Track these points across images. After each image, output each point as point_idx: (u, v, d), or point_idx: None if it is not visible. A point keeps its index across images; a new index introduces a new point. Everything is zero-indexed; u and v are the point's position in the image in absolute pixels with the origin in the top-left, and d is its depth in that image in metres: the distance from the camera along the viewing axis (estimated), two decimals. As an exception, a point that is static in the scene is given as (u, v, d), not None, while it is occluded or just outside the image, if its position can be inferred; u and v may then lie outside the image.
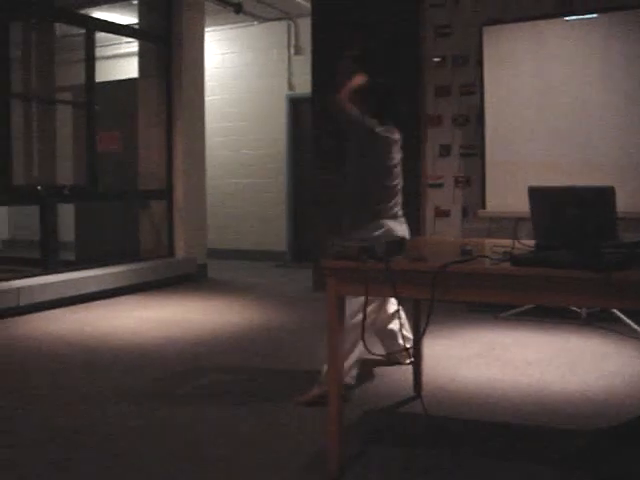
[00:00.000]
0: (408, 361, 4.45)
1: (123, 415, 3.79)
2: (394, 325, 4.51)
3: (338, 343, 2.95)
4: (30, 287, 6.60)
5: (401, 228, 4.26)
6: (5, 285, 6.53)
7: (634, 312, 5.57)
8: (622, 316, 5.73)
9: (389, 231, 4.14)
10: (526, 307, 6.10)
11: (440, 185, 7.13)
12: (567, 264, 2.61)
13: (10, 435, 3.49)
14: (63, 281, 6.94)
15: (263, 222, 10.92)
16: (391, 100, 4.37)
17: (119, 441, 3.41)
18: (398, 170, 4.28)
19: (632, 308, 2.68)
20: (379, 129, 4.17)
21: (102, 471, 3.07)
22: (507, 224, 6.44)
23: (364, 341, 3.03)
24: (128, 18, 9.63)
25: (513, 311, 6.20)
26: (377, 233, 4.09)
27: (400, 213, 4.33)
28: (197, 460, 3.18)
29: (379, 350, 4.45)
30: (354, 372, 4.07)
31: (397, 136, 4.28)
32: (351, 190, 4.33)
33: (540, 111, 6.32)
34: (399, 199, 4.31)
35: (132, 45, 9.90)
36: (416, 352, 4.06)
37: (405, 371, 4.41)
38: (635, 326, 5.56)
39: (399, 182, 4.30)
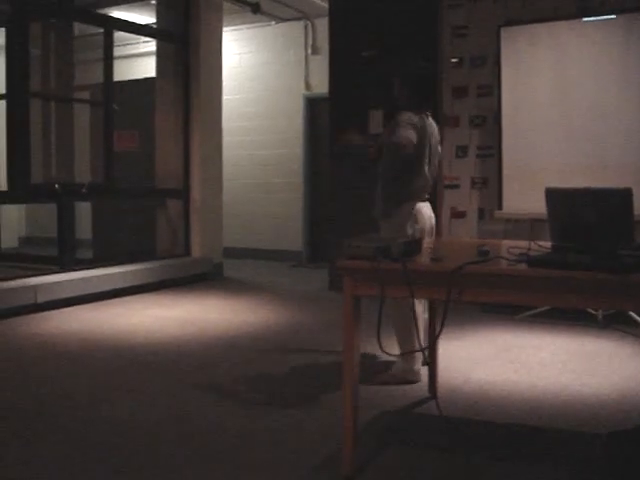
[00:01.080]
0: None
1: (137, 412, 3.81)
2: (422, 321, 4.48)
3: (354, 343, 2.95)
4: (47, 285, 6.64)
5: (428, 209, 4.57)
6: (23, 282, 6.57)
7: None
8: (638, 319, 5.69)
9: (418, 212, 4.45)
10: (542, 309, 6.08)
11: (456, 186, 7.11)
12: (584, 266, 2.60)
13: (27, 433, 3.53)
14: (80, 279, 6.98)
15: (279, 222, 10.93)
16: (426, 87, 4.59)
17: (128, 438, 3.43)
18: (426, 155, 4.46)
19: (649, 311, 2.67)
20: (413, 123, 4.30)
21: (101, 464, 3.09)
22: (523, 225, 6.43)
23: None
24: (146, 18, 9.68)
25: (529, 313, 6.18)
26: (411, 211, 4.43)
27: (427, 196, 4.57)
28: (208, 458, 3.19)
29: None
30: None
31: (431, 124, 4.52)
32: (384, 175, 4.52)
33: (557, 112, 6.30)
34: (429, 182, 4.53)
35: (150, 45, 9.94)
36: (431, 353, 4.06)
37: (420, 371, 4.40)
38: (652, 329, 5.54)
39: (428, 168, 4.49)
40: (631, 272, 2.54)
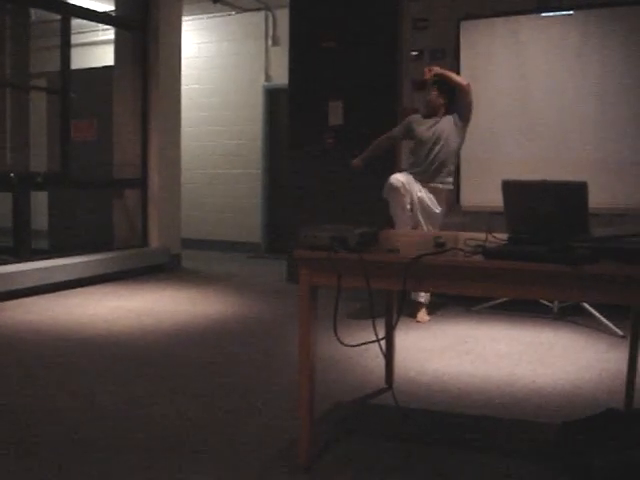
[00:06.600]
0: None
1: (92, 403, 3.77)
2: None
3: (310, 333, 2.95)
4: (2, 275, 6.53)
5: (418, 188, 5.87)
6: (-24, 273, 6.47)
7: (604, 306, 5.63)
8: (593, 310, 5.78)
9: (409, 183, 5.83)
10: (498, 301, 6.14)
11: (415, 178, 7.12)
12: (538, 257, 2.63)
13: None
14: (36, 269, 6.88)
15: (238, 213, 10.90)
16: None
17: (86, 429, 3.40)
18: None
19: (601, 302, 2.71)
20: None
21: (62, 457, 3.05)
22: (481, 218, 6.47)
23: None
24: (105, 5, 9.55)
25: (485, 304, 6.24)
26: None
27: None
28: (166, 447, 3.17)
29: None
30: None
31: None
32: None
33: (516, 106, 6.36)
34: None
35: (109, 32, 9.82)
36: (388, 344, 4.07)
37: (377, 362, 4.42)
38: (605, 320, 5.62)
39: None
40: (584, 264, 2.57)
